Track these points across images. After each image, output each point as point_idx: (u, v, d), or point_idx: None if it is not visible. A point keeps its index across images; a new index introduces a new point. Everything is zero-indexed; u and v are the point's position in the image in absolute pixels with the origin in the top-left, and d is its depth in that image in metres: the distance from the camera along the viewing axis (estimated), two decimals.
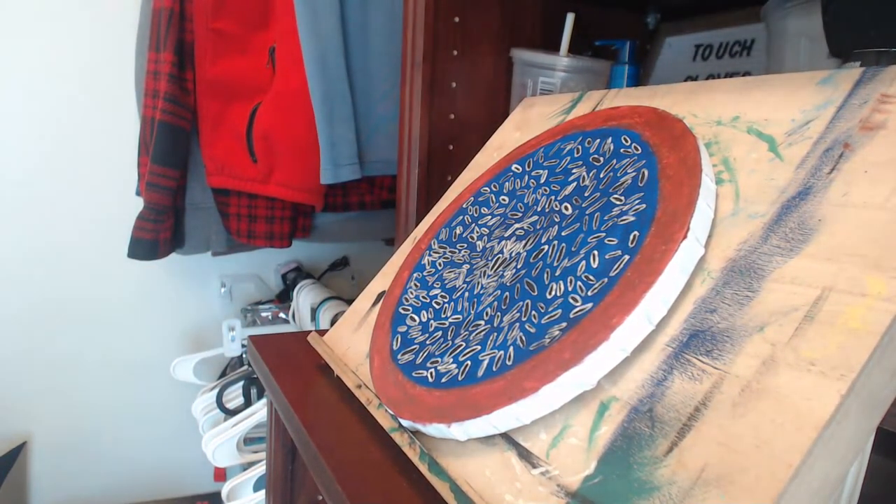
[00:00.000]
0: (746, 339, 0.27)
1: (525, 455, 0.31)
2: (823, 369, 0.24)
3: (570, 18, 0.70)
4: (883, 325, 0.23)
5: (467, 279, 0.43)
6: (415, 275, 0.48)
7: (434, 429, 0.35)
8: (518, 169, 0.48)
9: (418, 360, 0.40)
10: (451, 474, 0.33)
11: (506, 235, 0.43)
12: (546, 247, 0.38)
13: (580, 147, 0.43)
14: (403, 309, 0.46)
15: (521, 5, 0.77)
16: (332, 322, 1.09)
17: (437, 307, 0.44)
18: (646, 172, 0.36)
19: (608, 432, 0.29)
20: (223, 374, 1.41)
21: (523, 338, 0.34)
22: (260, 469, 1.06)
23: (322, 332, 0.58)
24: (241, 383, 1.22)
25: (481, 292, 0.41)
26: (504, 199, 0.47)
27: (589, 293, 0.33)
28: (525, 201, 0.45)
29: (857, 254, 0.26)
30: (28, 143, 1.32)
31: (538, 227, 0.41)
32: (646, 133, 0.38)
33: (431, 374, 0.38)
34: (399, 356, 0.42)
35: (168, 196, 1.08)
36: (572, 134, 0.45)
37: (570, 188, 0.41)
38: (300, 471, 0.67)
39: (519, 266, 0.40)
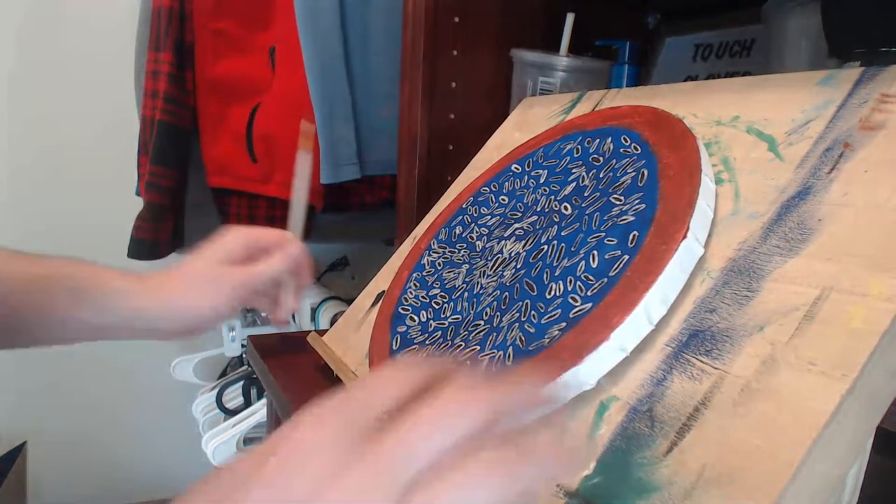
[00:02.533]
0: (746, 338, 0.27)
1: None
2: (824, 369, 0.24)
3: (569, 18, 0.70)
4: (883, 325, 0.23)
5: (467, 279, 0.43)
6: (414, 275, 0.48)
7: None
8: (518, 169, 0.48)
9: None
10: None
11: (505, 235, 0.43)
12: (546, 247, 0.38)
13: (580, 147, 0.43)
14: (403, 309, 0.46)
15: (521, 5, 0.77)
16: (332, 322, 1.09)
17: (436, 307, 0.44)
18: (645, 172, 0.36)
19: (608, 432, 0.29)
20: (223, 374, 1.41)
21: (523, 338, 0.34)
22: None
23: (322, 332, 0.58)
24: (241, 383, 1.22)
25: (481, 292, 0.41)
26: (504, 199, 0.47)
27: (588, 293, 0.33)
28: (525, 201, 0.45)
29: (858, 254, 0.26)
30: (28, 142, 1.32)
31: (538, 226, 0.41)
32: (646, 133, 0.38)
33: None
34: (399, 356, 0.42)
35: (168, 196, 1.08)
36: (572, 134, 0.45)
37: (569, 188, 0.41)
38: None
39: (518, 266, 0.39)
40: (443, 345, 0.39)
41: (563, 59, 0.69)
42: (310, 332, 0.59)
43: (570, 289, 0.34)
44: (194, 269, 0.53)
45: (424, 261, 0.49)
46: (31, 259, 0.52)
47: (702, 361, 0.28)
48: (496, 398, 0.21)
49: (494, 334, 0.36)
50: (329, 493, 0.20)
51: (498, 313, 0.38)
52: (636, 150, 0.38)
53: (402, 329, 0.44)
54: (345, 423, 0.22)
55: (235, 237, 0.54)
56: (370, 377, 0.23)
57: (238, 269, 0.52)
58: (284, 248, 0.54)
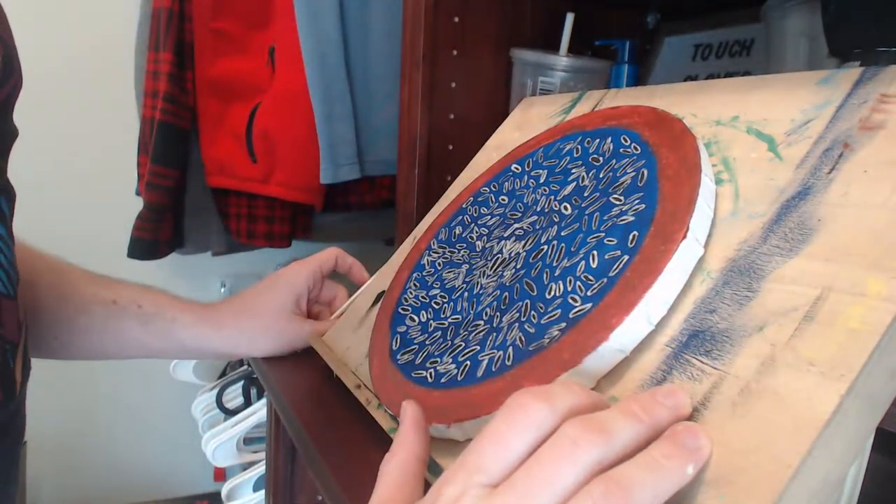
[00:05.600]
0: (746, 339, 0.27)
1: None
2: (823, 369, 0.24)
3: (569, 18, 0.70)
4: (883, 325, 0.23)
5: (466, 279, 0.43)
6: (414, 275, 0.48)
7: (433, 429, 0.35)
8: (517, 169, 0.48)
9: (417, 361, 0.40)
10: None
11: (505, 235, 0.43)
12: (545, 247, 0.38)
13: (580, 147, 0.43)
14: (403, 309, 0.46)
15: (521, 5, 0.77)
16: None
17: (436, 307, 0.44)
18: (645, 172, 0.36)
19: None
20: (223, 374, 1.41)
21: (522, 338, 0.34)
22: (260, 469, 1.06)
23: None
24: (240, 383, 1.22)
25: (481, 292, 0.41)
26: (503, 199, 0.47)
27: (588, 293, 0.33)
28: (524, 201, 0.45)
29: (857, 254, 0.26)
30: (27, 142, 1.32)
31: (537, 226, 0.41)
32: (645, 133, 0.38)
33: (431, 374, 0.38)
34: (398, 356, 0.42)
35: (168, 196, 1.08)
36: (572, 134, 0.45)
37: (569, 188, 0.41)
38: (300, 471, 0.67)
39: (518, 266, 0.39)
40: (442, 345, 0.39)
41: (562, 59, 0.69)
42: None
43: (569, 289, 0.34)
44: (260, 314, 0.57)
45: (424, 261, 0.49)
46: (106, 283, 0.56)
47: (701, 362, 0.28)
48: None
49: (494, 334, 0.36)
50: None
51: (498, 313, 0.38)
52: (636, 150, 0.38)
53: (401, 329, 0.44)
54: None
55: (301, 279, 0.58)
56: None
57: (298, 324, 0.57)
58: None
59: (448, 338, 0.40)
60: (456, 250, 0.47)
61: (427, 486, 0.33)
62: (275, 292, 0.57)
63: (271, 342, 0.57)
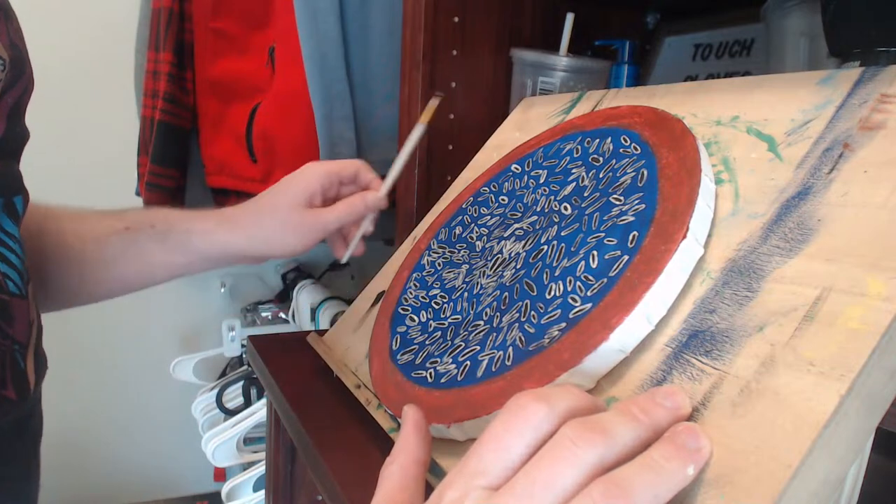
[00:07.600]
0: (746, 339, 0.27)
1: None
2: (823, 369, 0.24)
3: (569, 18, 0.70)
4: (882, 325, 0.23)
5: (466, 279, 0.43)
6: (414, 275, 0.48)
7: (433, 429, 0.35)
8: (517, 169, 0.48)
9: (417, 361, 0.40)
10: None
11: (505, 235, 0.43)
12: (545, 247, 0.38)
13: (580, 147, 0.43)
14: (403, 309, 0.46)
15: (521, 5, 0.77)
16: (332, 322, 1.09)
17: (436, 307, 0.44)
18: (645, 172, 0.36)
19: None
20: (223, 374, 1.41)
21: (522, 338, 0.34)
22: (260, 469, 1.06)
23: (321, 333, 0.58)
24: (240, 383, 1.22)
25: (480, 292, 0.41)
26: (503, 199, 0.47)
27: (588, 293, 0.33)
28: (524, 201, 0.45)
29: (857, 254, 0.26)
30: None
31: (537, 227, 0.41)
32: (645, 133, 0.38)
33: (430, 374, 0.38)
34: (398, 356, 0.42)
35: (167, 196, 1.08)
36: (572, 134, 0.45)
37: (569, 188, 0.41)
38: (300, 471, 0.67)
39: (518, 266, 0.39)
40: (443, 345, 0.39)
41: (562, 59, 0.69)
42: (310, 332, 0.59)
43: (569, 289, 0.34)
44: (276, 209, 0.56)
45: (424, 261, 0.49)
46: (115, 216, 0.56)
47: (701, 362, 0.28)
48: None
49: (494, 334, 0.36)
50: None
51: (498, 313, 0.38)
52: (636, 150, 0.38)
53: (401, 329, 0.44)
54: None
55: (314, 176, 0.57)
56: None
57: (314, 214, 0.56)
58: (363, 197, 0.58)
59: (448, 338, 0.40)
60: (456, 250, 0.47)
61: (428, 487, 0.34)
62: (286, 191, 0.57)
63: (291, 237, 0.56)
